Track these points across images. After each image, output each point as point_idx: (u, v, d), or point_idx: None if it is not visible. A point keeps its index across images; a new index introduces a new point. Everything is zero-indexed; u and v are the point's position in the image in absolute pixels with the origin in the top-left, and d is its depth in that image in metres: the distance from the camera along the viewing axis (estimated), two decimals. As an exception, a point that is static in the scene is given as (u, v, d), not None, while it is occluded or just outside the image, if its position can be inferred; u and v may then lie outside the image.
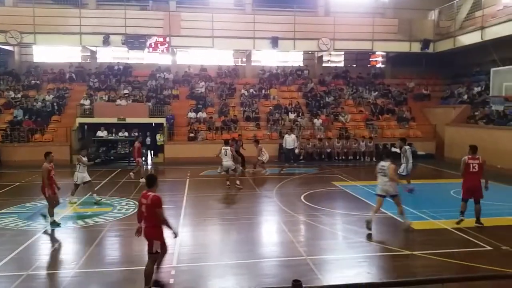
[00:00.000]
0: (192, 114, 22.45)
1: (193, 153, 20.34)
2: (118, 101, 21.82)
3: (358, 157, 21.31)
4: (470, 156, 9.63)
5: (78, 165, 12.09)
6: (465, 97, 22.51)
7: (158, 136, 21.09)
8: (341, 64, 28.45)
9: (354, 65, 28.51)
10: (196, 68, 25.93)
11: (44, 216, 9.88)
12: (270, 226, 10.32)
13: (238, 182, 14.30)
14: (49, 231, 9.45)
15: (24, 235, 9.07)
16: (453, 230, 9.30)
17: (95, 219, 10.32)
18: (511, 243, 8.35)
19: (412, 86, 26.23)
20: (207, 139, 21.32)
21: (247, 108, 23.34)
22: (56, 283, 6.86)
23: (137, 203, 11.80)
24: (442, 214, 10.47)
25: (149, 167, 16.66)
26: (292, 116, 22.90)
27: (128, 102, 22.01)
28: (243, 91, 24.52)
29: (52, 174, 9.85)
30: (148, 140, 20.74)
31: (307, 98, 24.59)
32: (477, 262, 7.46)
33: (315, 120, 22.67)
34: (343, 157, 21.19)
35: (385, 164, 9.22)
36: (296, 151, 19.99)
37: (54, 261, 7.87)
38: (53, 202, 9.84)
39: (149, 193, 6.26)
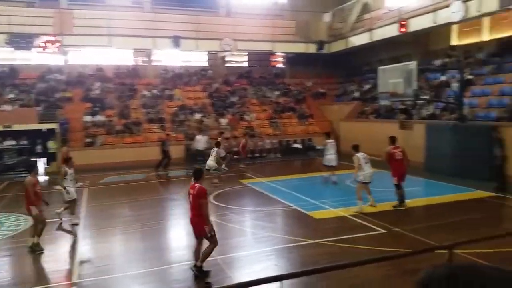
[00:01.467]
0: (88, 118, 21.04)
1: (91, 159, 19.01)
2: (3, 107, 19.57)
3: (264, 154, 21.88)
4: (393, 146, 10.63)
5: (65, 179, 10.03)
6: (357, 94, 24.38)
7: (50, 143, 19.30)
8: (245, 64, 28.95)
9: (258, 66, 29.20)
10: (91, 68, 24.37)
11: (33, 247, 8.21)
12: (179, 230, 10.07)
13: (216, 180, 14.09)
14: None
15: None
16: (351, 217, 9.98)
17: (-22, 239, 9.12)
18: (400, 225, 9.22)
19: (310, 85, 27.66)
20: (107, 144, 20.15)
21: (150, 109, 22.57)
22: None
23: (28, 217, 10.79)
24: (341, 203, 11.18)
25: (43, 178, 15.22)
26: (198, 116, 22.71)
27: (15, 107, 19.85)
28: (145, 92, 23.66)
29: (37, 189, 8.37)
30: (38, 148, 18.93)
31: (212, 98, 24.58)
32: (373, 245, 8.09)
33: (221, 120, 22.76)
34: (250, 155, 21.57)
35: (364, 154, 10.38)
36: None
37: None
38: (38, 222, 8.34)
39: (196, 184, 6.77)
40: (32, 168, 8.83)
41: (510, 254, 6.63)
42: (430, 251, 5.94)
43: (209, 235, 6.68)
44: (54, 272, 7.48)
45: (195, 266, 6.78)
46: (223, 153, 15.37)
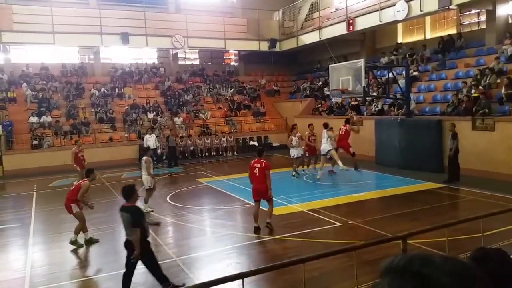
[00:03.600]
0: (34, 119, 19.98)
1: (39, 162, 18.14)
2: None
3: (220, 153, 21.81)
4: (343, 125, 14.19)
5: (145, 166, 10.67)
6: (310, 91, 24.87)
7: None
8: (197, 62, 28.64)
9: (210, 63, 29.00)
10: (36, 67, 23.11)
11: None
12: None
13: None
14: None
15: None
16: (308, 212, 10.21)
17: None
18: (355, 218, 9.56)
19: (264, 83, 27.89)
20: (55, 145, 19.25)
21: (99, 109, 21.79)
22: None
23: None
24: (297, 199, 11.40)
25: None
26: (151, 115, 22.21)
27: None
28: (93, 90, 22.78)
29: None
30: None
31: (165, 97, 24.12)
32: (330, 238, 8.33)
33: (176, 119, 22.41)
34: (206, 154, 21.45)
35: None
36: (158, 151, 19.48)
37: None
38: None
39: (261, 159, 8.79)
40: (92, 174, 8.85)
41: (458, 242, 7.08)
42: (385, 242, 6.19)
43: (271, 197, 8.85)
44: (4, 282, 7.08)
45: (268, 223, 8.87)
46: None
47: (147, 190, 10.87)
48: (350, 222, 9.27)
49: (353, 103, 19.82)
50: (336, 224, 9.23)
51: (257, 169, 8.73)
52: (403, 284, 0.90)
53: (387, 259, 0.96)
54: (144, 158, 10.92)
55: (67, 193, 8.72)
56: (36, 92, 21.54)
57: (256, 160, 8.84)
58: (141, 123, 21.53)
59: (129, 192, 6.01)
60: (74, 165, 14.06)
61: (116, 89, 23.50)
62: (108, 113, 21.62)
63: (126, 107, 22.27)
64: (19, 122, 19.77)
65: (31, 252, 8.31)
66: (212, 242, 8.70)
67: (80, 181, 8.77)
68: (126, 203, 6.00)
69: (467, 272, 0.93)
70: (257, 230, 8.74)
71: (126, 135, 20.85)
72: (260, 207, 8.96)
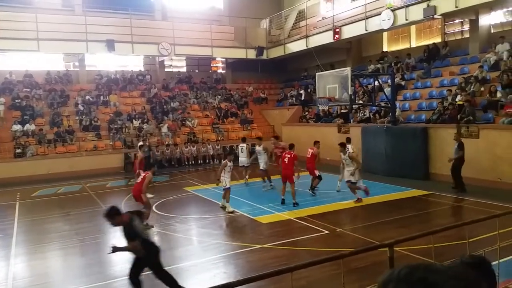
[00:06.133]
0: (17, 127, 19.61)
1: (22, 171, 17.77)
2: None
3: (207, 161, 21.64)
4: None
5: (224, 170, 11.36)
6: (296, 99, 24.94)
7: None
8: (184, 69, 28.54)
9: (197, 70, 28.93)
10: (19, 74, 22.74)
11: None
12: (120, 243, 9.62)
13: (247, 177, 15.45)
14: None
15: None
16: (296, 220, 10.17)
17: None
18: (342, 225, 9.55)
19: (251, 90, 27.89)
20: (38, 154, 18.90)
21: (84, 116, 21.49)
22: None
23: None
24: (285, 207, 11.34)
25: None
26: (137, 123, 21.99)
27: None
28: (78, 98, 22.50)
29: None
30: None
31: (151, 104, 23.93)
32: (318, 246, 8.29)
33: (162, 126, 22.22)
34: (193, 162, 21.27)
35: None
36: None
37: None
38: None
39: (291, 151, 11.70)
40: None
41: (444, 249, 7.10)
42: (372, 250, 6.17)
43: (296, 180, 11.45)
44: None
45: (294, 203, 11.21)
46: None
47: (225, 189, 11.39)
48: (337, 230, 9.26)
49: (342, 110, 19.93)
50: (323, 232, 9.20)
51: (286, 158, 11.28)
52: None
53: (384, 272, 0.95)
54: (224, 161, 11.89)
55: (136, 185, 10.24)
56: (19, 100, 21.13)
57: (287, 151, 11.70)
58: (126, 131, 21.30)
59: None
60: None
61: (101, 97, 23.22)
62: (93, 121, 21.34)
63: (111, 115, 22.02)
64: (1, 130, 19.39)
65: (13, 264, 8.08)
66: (198, 251, 8.57)
67: (144, 174, 10.22)
68: None
69: (470, 276, 0.98)
70: (282, 202, 11.45)
71: (111, 143, 20.58)
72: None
